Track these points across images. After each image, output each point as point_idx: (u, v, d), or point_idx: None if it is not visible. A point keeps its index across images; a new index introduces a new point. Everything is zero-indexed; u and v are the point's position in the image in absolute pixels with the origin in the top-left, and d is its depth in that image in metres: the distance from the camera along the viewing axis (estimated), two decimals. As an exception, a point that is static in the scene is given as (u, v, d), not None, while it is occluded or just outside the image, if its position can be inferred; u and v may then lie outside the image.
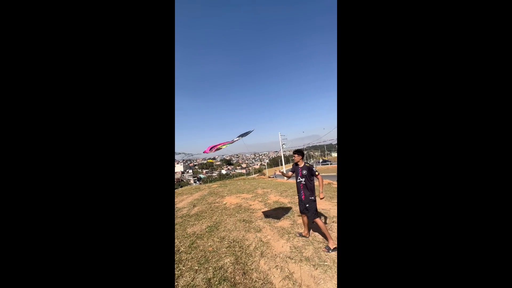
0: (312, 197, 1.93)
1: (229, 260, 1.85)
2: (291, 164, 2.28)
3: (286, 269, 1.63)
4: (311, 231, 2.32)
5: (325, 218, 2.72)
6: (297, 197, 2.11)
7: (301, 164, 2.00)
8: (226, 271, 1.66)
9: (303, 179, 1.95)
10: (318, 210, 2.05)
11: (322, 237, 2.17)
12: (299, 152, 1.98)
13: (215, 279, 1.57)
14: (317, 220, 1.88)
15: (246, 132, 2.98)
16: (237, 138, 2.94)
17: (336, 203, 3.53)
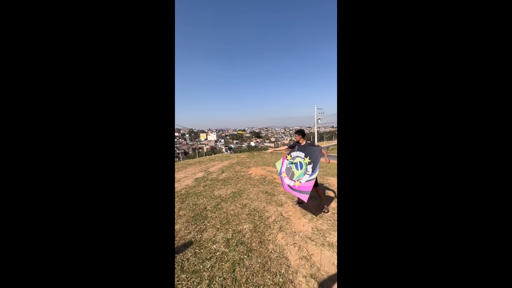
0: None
1: (247, 226, 1.96)
2: (325, 141, 2.26)
3: (305, 250, 1.58)
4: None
5: (322, 185, 3.32)
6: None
7: (303, 142, 2.26)
8: (244, 236, 1.77)
9: None
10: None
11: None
12: (299, 132, 2.29)
13: (233, 240, 1.71)
14: (317, 188, 2.33)
15: (301, 132, 2.24)
16: (298, 155, 2.14)
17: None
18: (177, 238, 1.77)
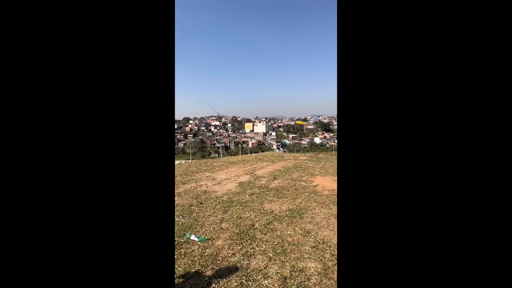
0: None
1: (314, 266, 1.86)
2: None
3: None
4: None
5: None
6: None
7: None
8: (309, 280, 1.69)
9: None
10: None
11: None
12: None
13: (292, 281, 1.67)
14: None
15: None
16: None
17: None
18: (219, 258, 1.96)
